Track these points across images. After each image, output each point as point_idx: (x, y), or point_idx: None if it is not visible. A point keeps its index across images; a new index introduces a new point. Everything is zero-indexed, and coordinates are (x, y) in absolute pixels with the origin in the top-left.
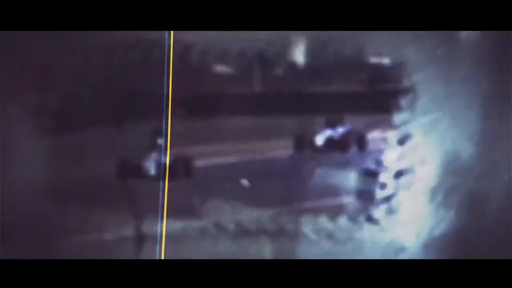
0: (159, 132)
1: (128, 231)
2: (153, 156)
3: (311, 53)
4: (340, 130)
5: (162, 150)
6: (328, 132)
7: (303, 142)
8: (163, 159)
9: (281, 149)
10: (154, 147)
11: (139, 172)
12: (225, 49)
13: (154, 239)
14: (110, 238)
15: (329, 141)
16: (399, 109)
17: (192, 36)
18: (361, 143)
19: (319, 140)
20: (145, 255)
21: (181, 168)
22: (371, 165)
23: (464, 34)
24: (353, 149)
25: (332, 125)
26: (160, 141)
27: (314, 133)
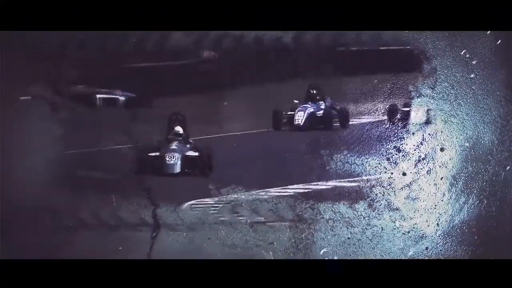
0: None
1: (141, 221)
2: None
3: (336, 44)
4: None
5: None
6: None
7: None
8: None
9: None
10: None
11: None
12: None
13: (170, 227)
14: (125, 230)
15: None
16: (419, 95)
17: None
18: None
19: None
20: (159, 243)
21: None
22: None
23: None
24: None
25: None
26: (178, 128)
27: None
